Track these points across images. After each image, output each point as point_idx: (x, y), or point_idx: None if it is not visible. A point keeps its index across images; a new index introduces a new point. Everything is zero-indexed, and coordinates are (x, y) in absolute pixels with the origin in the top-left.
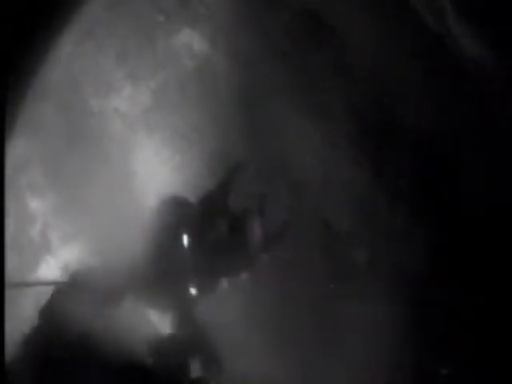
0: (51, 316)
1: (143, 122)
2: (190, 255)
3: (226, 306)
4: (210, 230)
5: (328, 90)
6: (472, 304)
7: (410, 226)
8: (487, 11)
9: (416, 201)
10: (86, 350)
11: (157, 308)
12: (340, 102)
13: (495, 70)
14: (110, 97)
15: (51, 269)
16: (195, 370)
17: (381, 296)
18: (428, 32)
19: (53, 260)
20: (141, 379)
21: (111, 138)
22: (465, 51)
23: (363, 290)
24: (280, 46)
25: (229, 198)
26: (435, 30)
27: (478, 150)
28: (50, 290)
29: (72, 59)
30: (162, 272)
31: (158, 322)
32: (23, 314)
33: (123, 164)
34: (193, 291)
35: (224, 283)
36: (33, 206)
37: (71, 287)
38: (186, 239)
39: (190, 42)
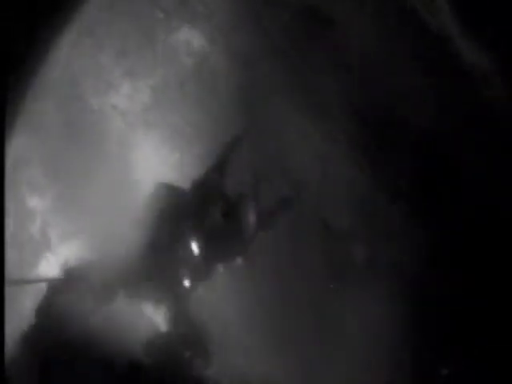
0: (50, 313)
1: (142, 120)
2: (185, 243)
3: (226, 306)
4: (204, 216)
5: (328, 90)
6: (472, 304)
7: (410, 225)
8: (487, 11)
9: (416, 201)
10: (84, 346)
11: (154, 302)
12: (340, 102)
13: (495, 70)
14: (109, 94)
15: (51, 266)
16: (192, 367)
17: (380, 296)
18: (428, 32)
19: (52, 257)
20: (137, 375)
21: (110, 136)
22: (465, 51)
23: (363, 290)
24: (280, 45)
25: (223, 184)
26: (435, 30)
27: (479, 149)
28: (49, 286)
29: (71, 58)
30: (160, 265)
31: (155, 318)
32: (23, 311)
33: (122, 161)
34: (187, 283)
35: (219, 269)
36: (32, 203)
37: (70, 284)
38: (180, 227)
39: (190, 40)
